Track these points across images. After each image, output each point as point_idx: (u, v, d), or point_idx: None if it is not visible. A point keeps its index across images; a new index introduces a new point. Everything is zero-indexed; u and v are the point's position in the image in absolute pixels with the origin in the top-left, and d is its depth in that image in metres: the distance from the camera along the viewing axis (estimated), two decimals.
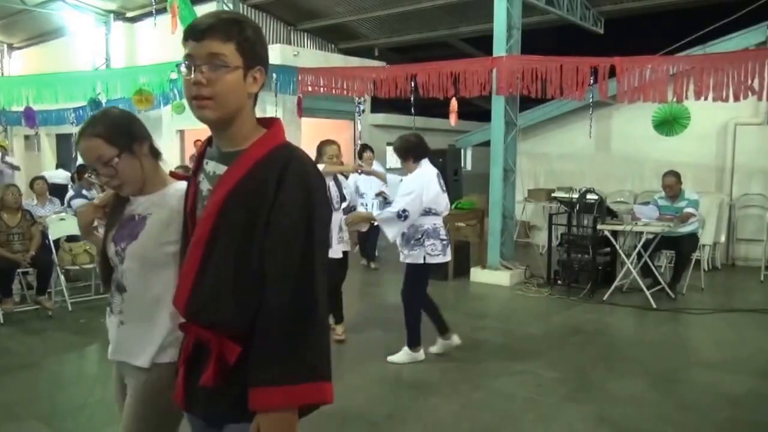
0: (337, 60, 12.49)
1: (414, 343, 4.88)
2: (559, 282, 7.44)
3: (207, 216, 1.59)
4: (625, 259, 6.97)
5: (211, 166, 1.66)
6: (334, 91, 9.60)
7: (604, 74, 7.28)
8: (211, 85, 1.53)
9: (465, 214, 8.61)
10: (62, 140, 15.59)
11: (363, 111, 11.96)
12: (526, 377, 4.65)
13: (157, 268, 1.95)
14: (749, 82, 6.57)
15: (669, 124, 7.25)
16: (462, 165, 9.75)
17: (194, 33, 1.55)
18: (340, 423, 3.85)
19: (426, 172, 4.84)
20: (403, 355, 4.88)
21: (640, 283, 6.86)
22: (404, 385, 4.46)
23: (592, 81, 7.36)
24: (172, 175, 2.12)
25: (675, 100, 7.00)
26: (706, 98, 6.77)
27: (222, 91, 1.53)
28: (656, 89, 7.06)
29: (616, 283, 7.04)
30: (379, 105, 12.90)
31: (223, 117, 1.57)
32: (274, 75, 10.20)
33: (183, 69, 1.56)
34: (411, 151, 4.86)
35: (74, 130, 13.92)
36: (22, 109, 11.61)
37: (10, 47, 17.05)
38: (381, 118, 13.38)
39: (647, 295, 6.69)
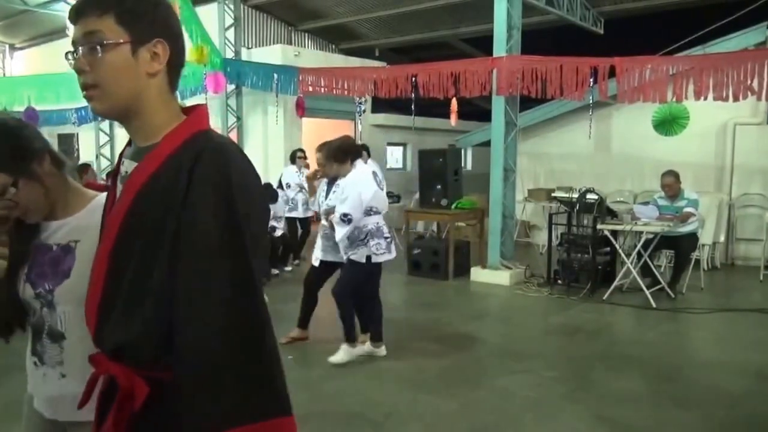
0: (337, 60, 12.52)
1: (353, 338, 4.86)
2: (559, 281, 7.46)
3: (112, 221, 1.30)
4: (625, 259, 6.98)
5: (126, 165, 1.34)
6: (334, 92, 9.64)
7: (604, 74, 7.30)
8: (92, 70, 1.24)
9: (465, 214, 8.63)
10: (64, 140, 15.61)
11: (363, 111, 11.98)
12: (525, 376, 4.66)
13: None
14: (749, 82, 6.59)
15: (668, 124, 7.28)
16: (462, 165, 9.73)
17: (71, 15, 1.27)
18: (339, 422, 3.87)
19: (361, 171, 4.79)
20: (343, 353, 4.81)
21: (640, 282, 6.87)
22: (404, 384, 4.48)
23: (592, 81, 7.37)
24: (89, 185, 1.72)
25: (675, 100, 7.02)
26: (705, 98, 6.79)
27: (104, 74, 1.24)
28: (656, 89, 7.08)
29: (615, 283, 7.05)
30: (379, 105, 12.92)
31: (117, 106, 1.28)
32: (275, 75, 10.24)
33: (69, 58, 1.28)
34: (350, 152, 4.80)
35: (76, 130, 14.00)
36: (23, 109, 11.62)
37: (12, 48, 17.07)
38: (381, 118, 13.41)
39: (647, 295, 6.70)
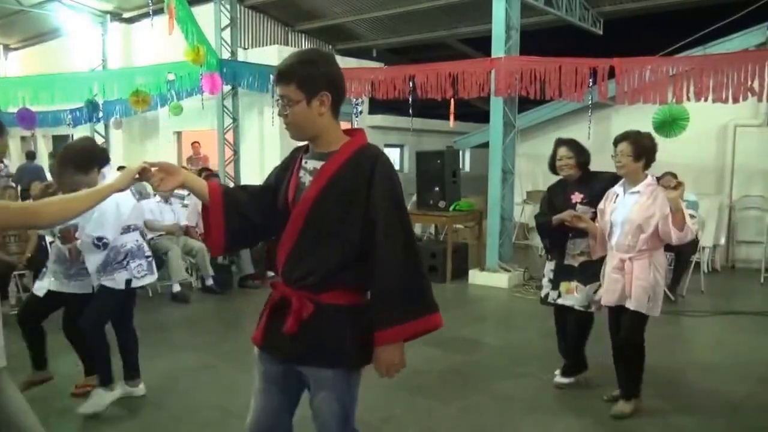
0: None
1: (109, 380, 4.01)
2: None
3: (308, 197, 2.08)
4: None
5: (311, 164, 2.15)
6: None
7: (604, 75, 7.25)
8: (288, 116, 2.07)
9: (463, 216, 8.58)
10: (59, 142, 15.52)
11: (361, 112, 11.91)
12: (524, 380, 4.61)
13: None
14: (749, 83, 6.54)
15: (668, 126, 7.21)
16: (460, 166, 9.69)
17: (275, 81, 2.10)
18: None
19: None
20: (98, 398, 3.94)
21: None
22: (401, 388, 4.40)
23: (591, 82, 7.33)
24: None
25: (674, 101, 6.96)
26: (706, 99, 6.74)
27: (294, 120, 2.07)
28: (656, 90, 7.02)
29: None
30: (376, 106, 12.86)
31: (303, 135, 2.13)
32: (272, 76, 10.17)
33: (278, 105, 2.11)
34: (97, 159, 3.79)
35: (71, 131, 13.91)
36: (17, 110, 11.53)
37: (7, 48, 16.99)
38: (379, 119, 13.34)
39: None
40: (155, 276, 4.26)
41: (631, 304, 3.83)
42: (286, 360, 2.16)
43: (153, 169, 2.11)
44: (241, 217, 2.21)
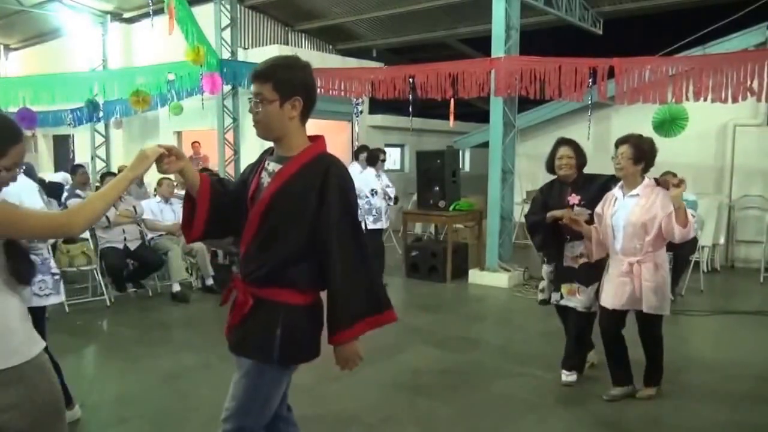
0: (334, 61, 12.46)
1: (68, 400, 3.55)
2: None
3: (265, 198, 2.20)
4: None
5: (272, 166, 2.27)
6: (331, 92, 9.57)
7: (603, 75, 7.25)
8: (259, 114, 2.17)
9: (463, 216, 8.59)
10: (59, 141, 15.54)
11: (361, 112, 11.92)
12: (524, 379, 4.62)
13: None
14: (748, 83, 6.54)
15: (667, 125, 7.22)
16: (460, 166, 9.69)
17: (251, 77, 2.21)
18: (336, 426, 3.81)
19: (21, 186, 3.18)
20: None
21: None
22: (401, 388, 4.42)
23: (590, 82, 7.33)
24: None
25: (674, 100, 6.97)
26: (705, 99, 6.74)
27: (264, 118, 2.17)
28: (655, 90, 7.03)
29: None
30: (377, 106, 12.87)
31: (270, 135, 2.23)
32: None
33: (250, 102, 2.21)
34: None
35: (71, 131, 13.92)
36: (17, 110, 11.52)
37: (7, 48, 16.98)
38: (379, 119, 13.35)
39: None
40: (62, 297, 3.86)
41: (644, 308, 3.99)
42: (230, 348, 2.34)
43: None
44: (220, 210, 2.36)
